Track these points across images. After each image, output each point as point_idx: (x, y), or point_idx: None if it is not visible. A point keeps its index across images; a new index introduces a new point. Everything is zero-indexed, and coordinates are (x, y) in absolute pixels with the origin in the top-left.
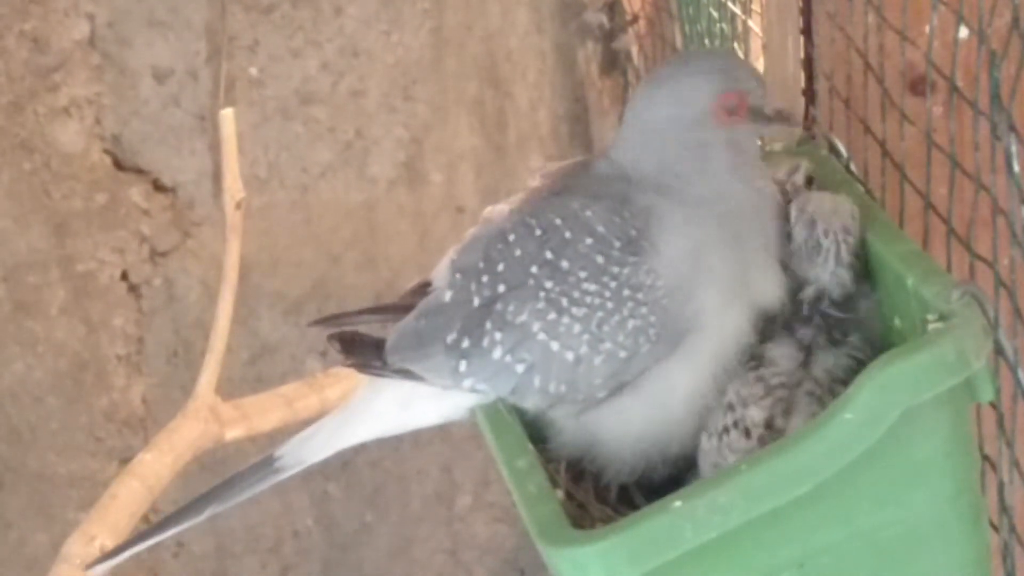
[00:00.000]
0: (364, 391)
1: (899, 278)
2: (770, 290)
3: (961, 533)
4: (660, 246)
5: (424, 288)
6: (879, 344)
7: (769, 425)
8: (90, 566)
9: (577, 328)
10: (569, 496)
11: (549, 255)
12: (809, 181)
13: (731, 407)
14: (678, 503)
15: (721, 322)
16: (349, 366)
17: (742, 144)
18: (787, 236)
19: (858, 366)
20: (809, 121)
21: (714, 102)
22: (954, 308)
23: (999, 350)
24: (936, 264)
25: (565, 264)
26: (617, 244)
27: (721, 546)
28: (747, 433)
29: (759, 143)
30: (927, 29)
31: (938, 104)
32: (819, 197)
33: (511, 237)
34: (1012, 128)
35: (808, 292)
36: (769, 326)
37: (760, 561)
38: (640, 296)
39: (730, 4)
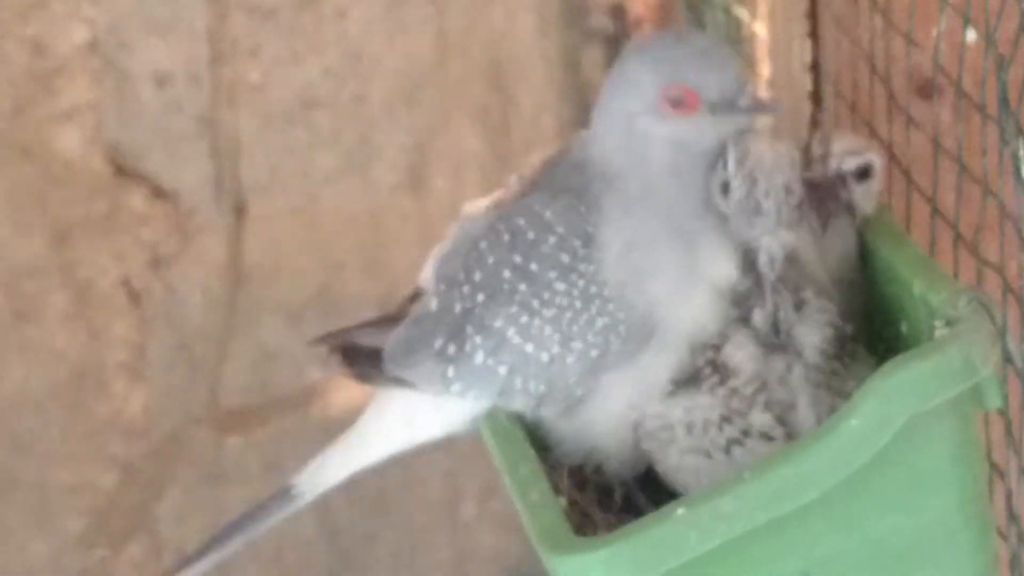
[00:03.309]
0: (368, 412)
1: (906, 284)
2: (723, 268)
3: (968, 542)
4: (603, 240)
5: (416, 296)
6: (829, 291)
7: (782, 422)
8: None
9: (548, 329)
10: (572, 503)
11: (518, 259)
12: (864, 173)
13: (727, 419)
14: (682, 510)
15: (678, 311)
16: (349, 377)
17: (688, 142)
18: (723, 185)
19: (836, 332)
20: (815, 125)
21: (657, 94)
22: (961, 314)
23: (1007, 357)
24: (943, 270)
25: (534, 267)
26: (577, 242)
27: (725, 554)
28: (767, 437)
29: (722, 139)
30: (934, 33)
31: (945, 108)
32: (759, 150)
33: (483, 244)
34: (1020, 132)
35: (761, 260)
36: (750, 294)
37: (765, 569)
38: (606, 292)
39: (736, 8)
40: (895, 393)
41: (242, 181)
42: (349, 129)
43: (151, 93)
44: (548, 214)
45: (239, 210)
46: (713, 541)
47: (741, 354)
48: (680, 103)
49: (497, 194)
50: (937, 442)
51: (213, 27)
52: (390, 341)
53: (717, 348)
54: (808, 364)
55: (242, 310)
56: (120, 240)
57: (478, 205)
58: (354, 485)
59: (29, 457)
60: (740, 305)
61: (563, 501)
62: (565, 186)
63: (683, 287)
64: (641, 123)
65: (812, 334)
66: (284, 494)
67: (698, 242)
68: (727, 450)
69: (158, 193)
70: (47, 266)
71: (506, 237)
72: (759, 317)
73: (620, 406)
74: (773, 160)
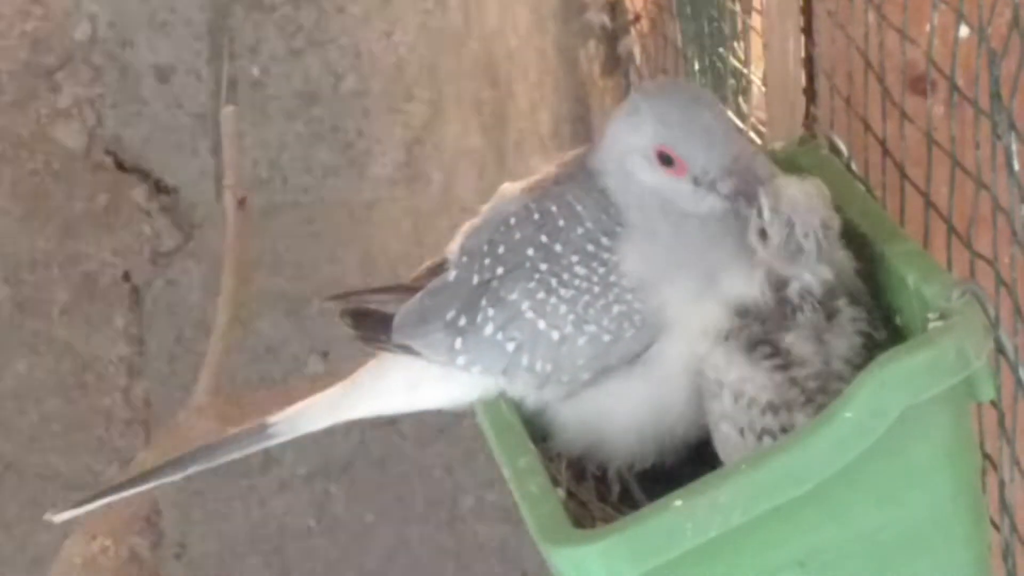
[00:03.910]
0: (371, 368)
1: (900, 277)
2: (740, 289)
3: (962, 532)
4: (627, 243)
5: (438, 268)
6: (861, 293)
7: None
8: (59, 512)
9: (563, 308)
10: (570, 495)
11: (544, 239)
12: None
13: (774, 409)
14: (679, 502)
15: (689, 319)
16: (356, 339)
17: (672, 200)
18: (760, 232)
19: (867, 340)
20: (810, 120)
21: (653, 146)
22: (954, 307)
23: (999, 349)
24: (936, 263)
25: (559, 248)
26: (604, 237)
27: (722, 545)
28: None
29: (706, 214)
30: (927, 28)
31: (938, 103)
32: (791, 194)
33: (512, 221)
34: (1012, 127)
35: (792, 288)
36: (776, 314)
37: (760, 560)
38: (626, 283)
39: (731, 3)
40: (889, 385)
41: (242, 175)
42: (347, 124)
43: (152, 88)
44: (580, 208)
45: (239, 204)
46: (709, 532)
47: (808, 347)
48: (670, 163)
49: (534, 177)
50: (931, 434)
51: (213, 23)
52: (402, 311)
53: (776, 335)
54: (831, 373)
55: (242, 303)
56: (121, 234)
57: (514, 186)
58: (353, 477)
59: (31, 449)
60: (766, 321)
61: (561, 493)
62: (591, 187)
63: (696, 297)
64: (634, 164)
65: (840, 343)
66: (259, 430)
67: (714, 267)
68: (759, 436)
69: (159, 187)
70: (49, 260)
71: (536, 217)
72: (790, 339)
73: (626, 400)
74: (806, 200)
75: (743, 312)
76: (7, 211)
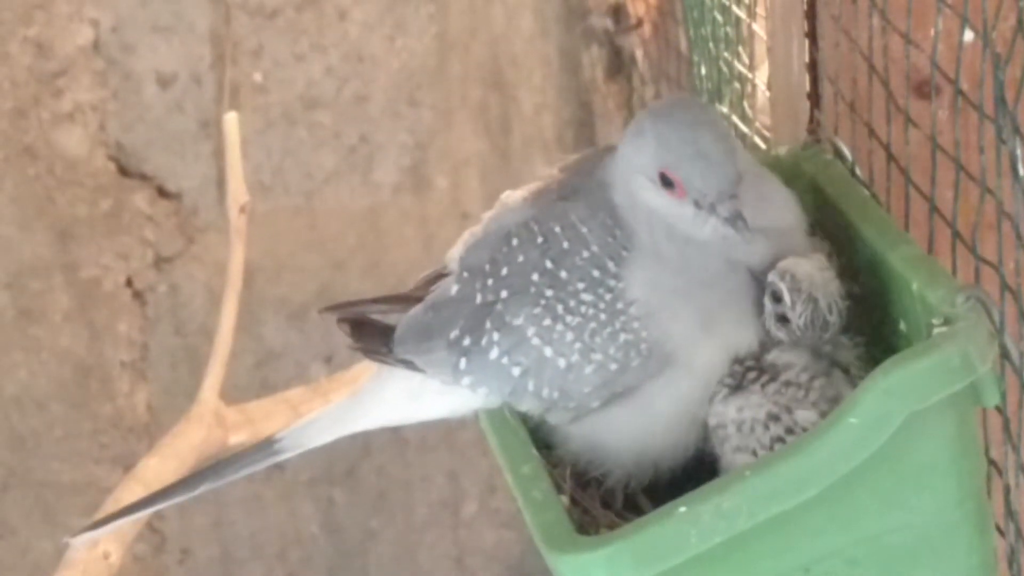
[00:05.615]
0: (373, 380)
1: (904, 282)
2: (740, 336)
3: (967, 538)
4: (634, 267)
5: (439, 278)
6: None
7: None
8: (76, 535)
9: (570, 336)
10: (574, 502)
11: (549, 264)
12: None
13: (775, 417)
14: (683, 508)
15: (692, 353)
16: (356, 350)
17: (674, 222)
18: (780, 318)
19: (865, 352)
20: (814, 125)
21: (656, 169)
22: (959, 312)
23: (1004, 354)
24: (941, 268)
25: (564, 274)
26: (610, 263)
27: (726, 551)
28: None
29: (708, 238)
30: (932, 32)
31: (943, 107)
32: (806, 271)
33: (514, 241)
34: (1017, 131)
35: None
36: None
37: (765, 566)
38: (633, 311)
39: (735, 8)
40: (894, 391)
41: (244, 181)
42: (350, 129)
43: (154, 94)
44: (585, 230)
45: (241, 209)
46: (714, 539)
47: (789, 354)
48: (671, 186)
49: (536, 184)
50: (935, 439)
51: (215, 28)
52: (403, 323)
53: (756, 358)
54: (840, 364)
55: (244, 309)
56: (123, 240)
57: (517, 194)
58: (356, 483)
59: (33, 455)
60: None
61: (565, 499)
62: (599, 205)
63: (699, 329)
64: (639, 184)
65: (849, 351)
66: (266, 446)
67: (717, 306)
68: (771, 448)
69: (161, 193)
70: (51, 266)
71: (539, 239)
72: (771, 356)
73: (628, 426)
74: (822, 276)
75: (738, 359)
76: (9, 216)
